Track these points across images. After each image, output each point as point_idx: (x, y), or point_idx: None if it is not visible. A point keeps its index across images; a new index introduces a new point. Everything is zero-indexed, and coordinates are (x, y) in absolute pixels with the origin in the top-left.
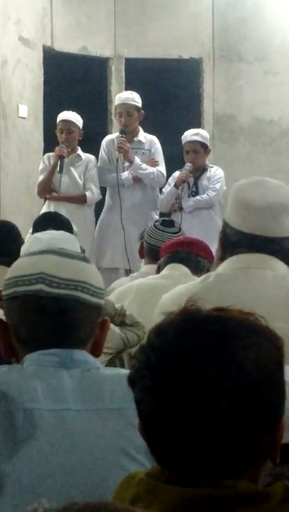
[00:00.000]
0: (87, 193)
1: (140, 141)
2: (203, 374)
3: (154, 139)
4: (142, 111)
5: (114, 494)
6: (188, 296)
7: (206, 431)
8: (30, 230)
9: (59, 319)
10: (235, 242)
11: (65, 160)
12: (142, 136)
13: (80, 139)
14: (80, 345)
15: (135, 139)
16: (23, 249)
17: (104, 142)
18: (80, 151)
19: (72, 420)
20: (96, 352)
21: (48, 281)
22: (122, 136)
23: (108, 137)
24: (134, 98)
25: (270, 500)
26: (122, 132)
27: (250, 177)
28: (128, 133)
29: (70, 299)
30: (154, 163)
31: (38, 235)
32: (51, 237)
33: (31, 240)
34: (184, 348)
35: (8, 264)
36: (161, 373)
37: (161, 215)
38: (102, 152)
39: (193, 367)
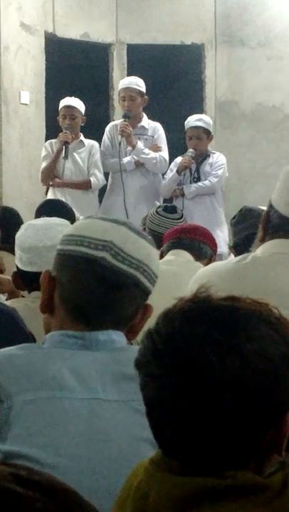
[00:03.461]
0: (91, 179)
1: (143, 127)
2: (206, 364)
3: (158, 125)
4: (146, 96)
5: (125, 481)
6: (223, 274)
7: (206, 421)
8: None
9: (113, 294)
10: (276, 225)
11: (69, 146)
12: (146, 122)
13: (83, 124)
14: (119, 326)
15: (138, 124)
16: (18, 236)
17: (107, 128)
18: (82, 137)
19: (102, 410)
20: (130, 336)
21: (114, 252)
22: (124, 121)
23: (112, 123)
24: (138, 83)
25: (269, 491)
26: (125, 117)
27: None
28: (131, 118)
29: (128, 277)
30: (156, 149)
31: (32, 221)
32: (45, 222)
33: (26, 227)
34: (190, 337)
35: (11, 251)
36: (165, 361)
37: (165, 201)
38: (105, 137)
39: (197, 356)
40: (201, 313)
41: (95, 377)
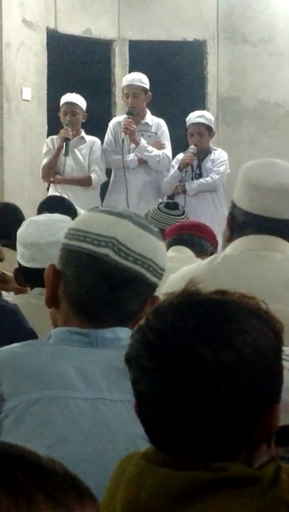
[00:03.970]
0: (92, 175)
1: (147, 124)
2: (200, 357)
3: (161, 121)
4: (150, 92)
5: (113, 473)
6: (196, 276)
7: (200, 414)
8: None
9: (117, 291)
10: (242, 223)
11: (70, 142)
12: (149, 118)
13: (84, 121)
14: (125, 321)
15: (142, 121)
16: (20, 233)
17: (111, 124)
18: (83, 134)
19: (107, 411)
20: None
21: (116, 249)
22: (128, 117)
23: (115, 119)
24: (141, 79)
25: (261, 483)
26: (128, 113)
27: (258, 159)
28: (135, 114)
29: (132, 274)
30: (160, 146)
31: (34, 217)
32: (47, 219)
33: (27, 223)
34: (182, 330)
35: (13, 247)
36: (158, 354)
37: (168, 198)
38: (108, 134)
39: (190, 349)
40: (192, 307)
41: (100, 377)
